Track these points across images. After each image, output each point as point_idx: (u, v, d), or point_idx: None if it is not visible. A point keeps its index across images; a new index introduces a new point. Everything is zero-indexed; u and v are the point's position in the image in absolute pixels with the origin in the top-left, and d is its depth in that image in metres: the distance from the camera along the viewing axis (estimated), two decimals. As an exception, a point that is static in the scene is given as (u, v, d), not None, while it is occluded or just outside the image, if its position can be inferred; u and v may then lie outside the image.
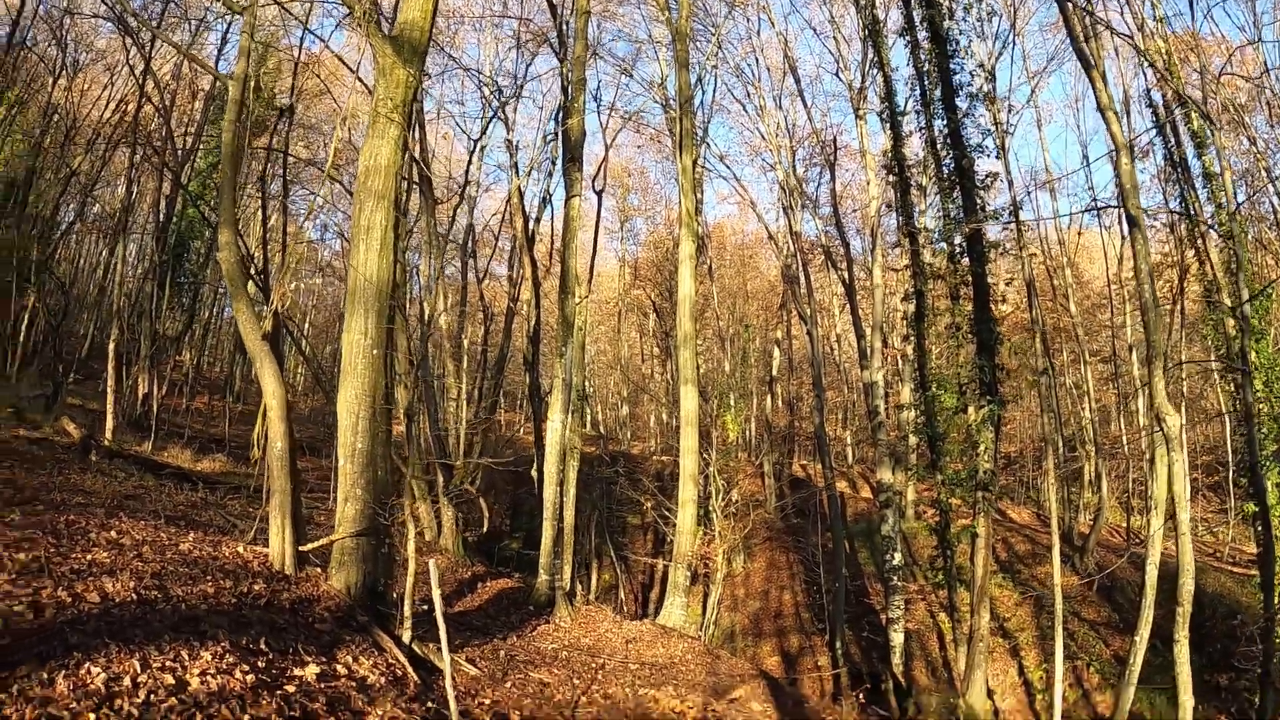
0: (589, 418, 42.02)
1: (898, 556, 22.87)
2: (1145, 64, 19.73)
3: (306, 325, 55.18)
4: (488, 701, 9.51)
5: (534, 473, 25.62)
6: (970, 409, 18.06)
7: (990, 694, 18.20)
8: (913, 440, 28.21)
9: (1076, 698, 20.23)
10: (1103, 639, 21.92)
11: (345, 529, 10.76)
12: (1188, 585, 13.11)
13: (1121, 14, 21.72)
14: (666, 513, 24.27)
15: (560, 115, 23.82)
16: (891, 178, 21.79)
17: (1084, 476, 33.12)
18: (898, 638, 22.00)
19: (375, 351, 11.14)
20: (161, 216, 37.64)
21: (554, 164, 29.55)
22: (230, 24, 35.49)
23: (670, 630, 17.91)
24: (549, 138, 29.23)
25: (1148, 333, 14.69)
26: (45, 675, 5.83)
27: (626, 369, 51.17)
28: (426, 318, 23.89)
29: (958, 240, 18.45)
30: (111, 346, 28.67)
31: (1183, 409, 26.60)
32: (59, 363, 29.37)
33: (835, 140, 32.95)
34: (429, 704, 8.07)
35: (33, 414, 22.13)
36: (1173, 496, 14.53)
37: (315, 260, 51.21)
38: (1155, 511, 16.37)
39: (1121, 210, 20.36)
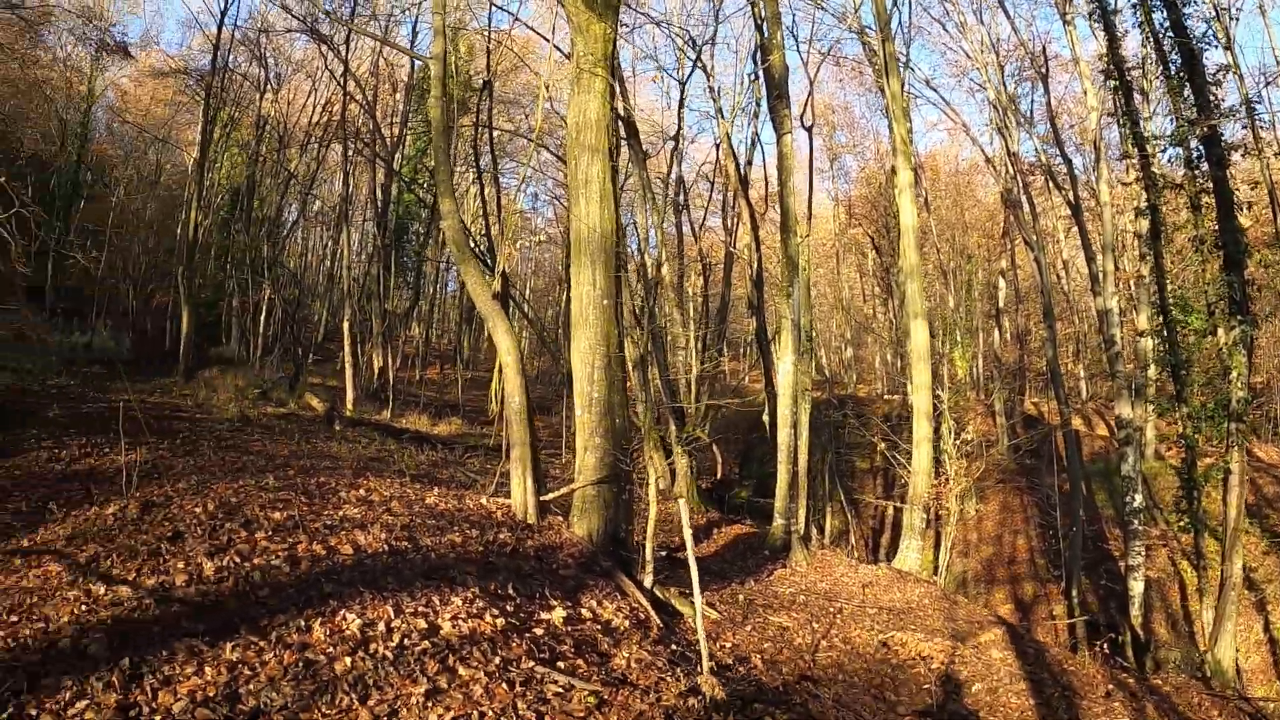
0: (814, 361, 41.40)
1: (1138, 498, 20.96)
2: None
3: (527, 290, 56.63)
4: (729, 644, 9.40)
5: (765, 418, 25.26)
6: (1220, 331, 16.41)
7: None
8: (1152, 371, 26.13)
9: (1328, 657, 18.40)
10: (1358, 593, 19.80)
11: (586, 477, 10.75)
12: None
13: None
14: (896, 454, 23.45)
15: (757, 55, 23.21)
16: (1110, 83, 19.91)
17: (1340, 408, 30.13)
18: (1137, 587, 20.24)
19: (605, 302, 11.07)
20: (379, 204, 39.28)
21: (758, 105, 29.03)
22: (418, 16, 36.69)
23: (906, 574, 17.16)
24: (751, 77, 28.54)
25: None
26: (303, 623, 6.05)
27: (848, 310, 49.93)
28: (648, 269, 23.82)
29: (1193, 144, 16.81)
30: (346, 327, 30.30)
31: None
32: (298, 346, 31.01)
33: (1045, 50, 30.62)
34: (673, 647, 7.96)
35: (278, 393, 23.34)
36: None
37: (529, 228, 52.41)
38: None
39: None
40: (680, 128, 29.56)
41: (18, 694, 4.79)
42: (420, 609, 6.72)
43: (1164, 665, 18.81)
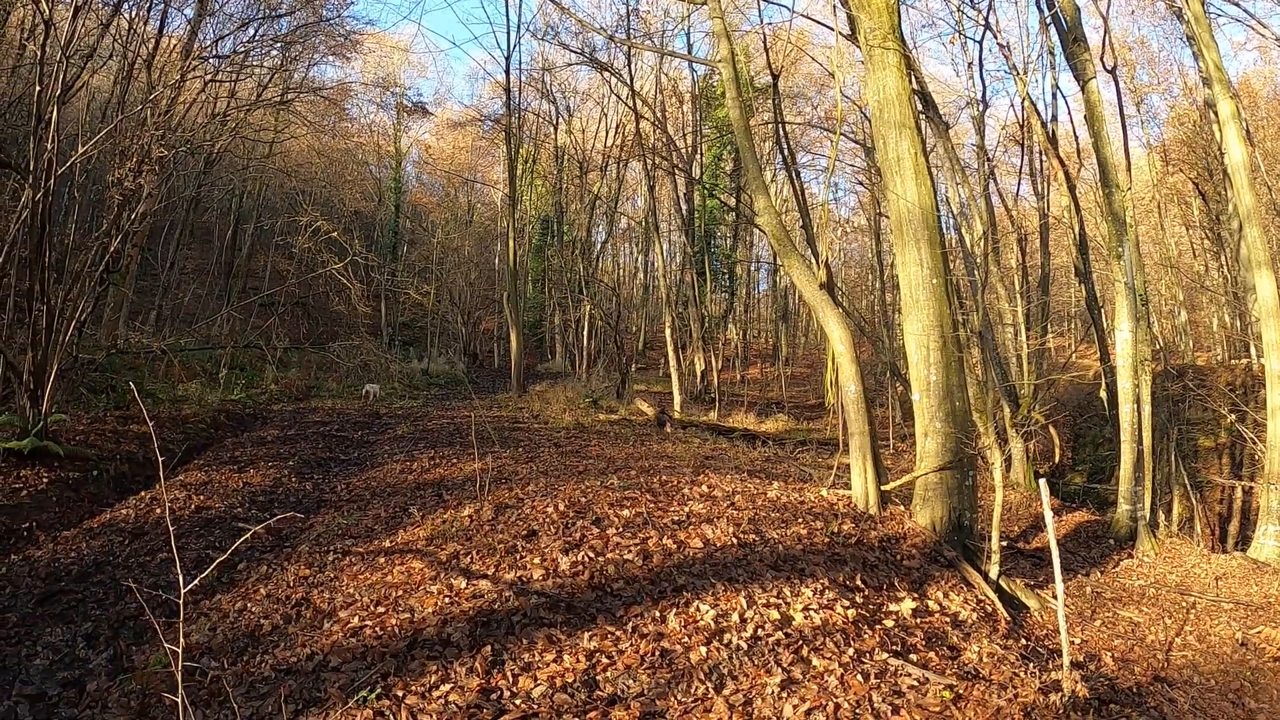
0: (1148, 329, 38.58)
1: None
2: None
3: (840, 281, 56.29)
4: (1077, 641, 9.00)
5: (1103, 393, 23.66)
6: None
7: None
8: None
9: None
10: None
11: (927, 464, 10.33)
12: None
13: None
14: (1244, 427, 21.25)
15: (1040, 0, 21.98)
16: None
17: None
18: None
19: (935, 281, 10.66)
20: (684, 213, 40.20)
21: (1052, 55, 27.33)
22: (690, 29, 37.42)
23: (1262, 565, 15.42)
24: (1043, 24, 26.90)
25: None
26: (657, 613, 6.19)
27: (1177, 268, 46.03)
28: (968, 244, 22.96)
29: None
30: (668, 333, 31.54)
31: None
32: (620, 356, 32.08)
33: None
34: (1023, 641, 7.67)
35: (607, 402, 24.21)
36: None
37: (835, 218, 52.14)
38: None
39: None
40: (985, 92, 28.26)
41: (385, 676, 5.22)
42: (772, 600, 6.69)
43: None
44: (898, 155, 11.05)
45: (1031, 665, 6.66)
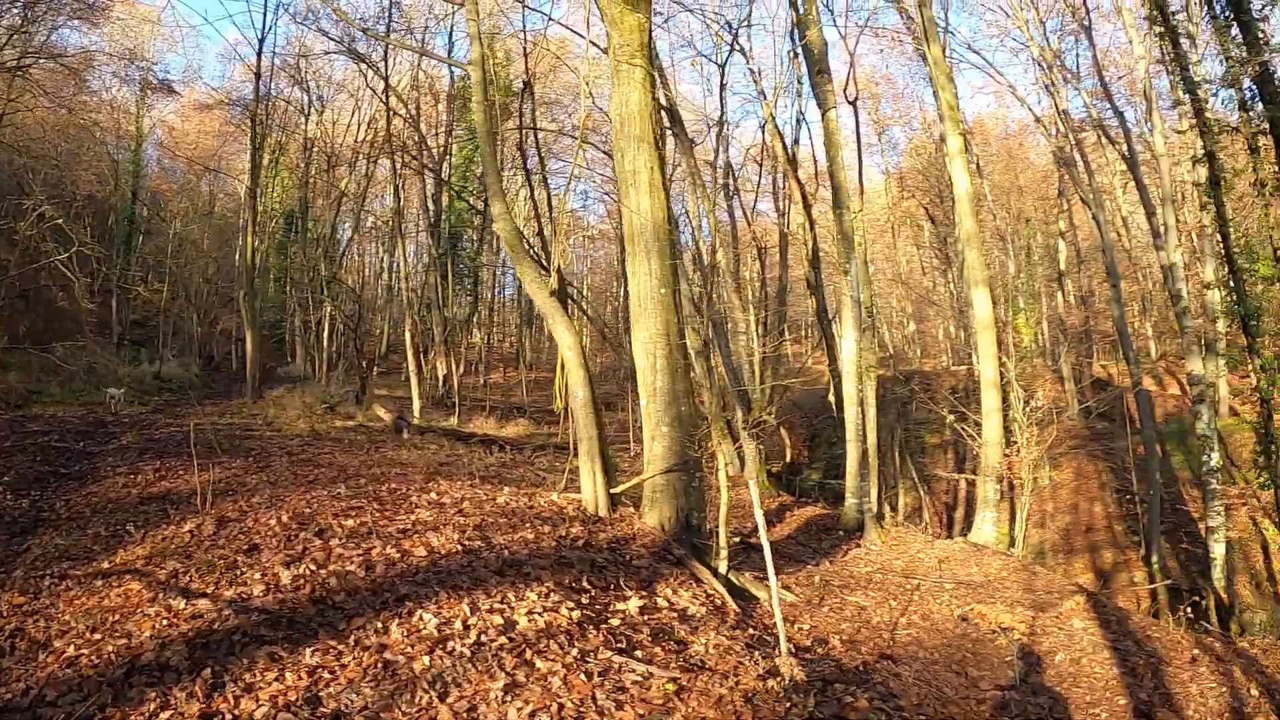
0: (876, 338, 41.07)
1: (1215, 457, 20.25)
2: None
3: (585, 288, 56.89)
4: (807, 626, 9.32)
5: (830, 398, 25.10)
6: (1290, 276, 15.81)
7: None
8: (1222, 324, 25.13)
9: None
10: None
11: (655, 467, 10.68)
12: None
13: None
14: (965, 426, 23.13)
15: (794, 32, 23.10)
16: (1156, 29, 19.42)
17: None
18: (1219, 549, 19.63)
19: (663, 291, 10.99)
20: (431, 214, 39.89)
21: (800, 83, 28.66)
22: (453, 26, 37.20)
23: (982, 548, 16.82)
24: (791, 55, 28.26)
25: None
26: (380, 624, 6.17)
27: (908, 284, 49.33)
28: (703, 257, 23.74)
29: (1246, 84, 16.19)
30: (408, 337, 30.88)
31: None
32: (361, 360, 31.46)
33: (1086, 1, 29.93)
34: (750, 631, 7.96)
35: (346, 407, 23.65)
36: None
37: (581, 226, 52.69)
38: None
39: None
40: (724, 112, 29.33)
41: (103, 707, 4.96)
42: (496, 605, 6.79)
43: (1250, 628, 18.31)
44: (634, 169, 11.29)
45: (756, 653, 6.95)
